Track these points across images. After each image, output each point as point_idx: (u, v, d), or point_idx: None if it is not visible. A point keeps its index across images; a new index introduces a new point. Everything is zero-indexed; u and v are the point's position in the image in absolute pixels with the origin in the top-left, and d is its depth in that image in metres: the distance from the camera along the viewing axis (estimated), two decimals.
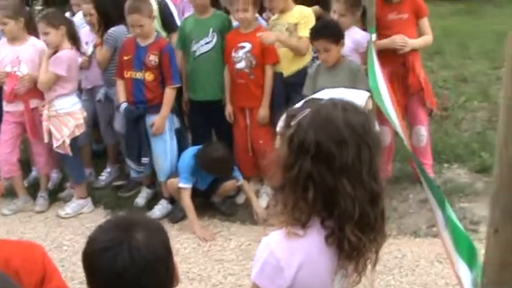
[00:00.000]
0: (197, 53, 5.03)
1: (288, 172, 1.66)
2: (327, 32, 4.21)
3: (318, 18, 4.83)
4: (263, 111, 4.80)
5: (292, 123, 1.67)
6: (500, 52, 8.84)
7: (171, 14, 5.48)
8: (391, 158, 4.86)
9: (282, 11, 4.83)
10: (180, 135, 5.13)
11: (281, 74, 4.83)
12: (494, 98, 6.75)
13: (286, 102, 4.40)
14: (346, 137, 1.60)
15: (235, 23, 5.04)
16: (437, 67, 8.21)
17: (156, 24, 5.16)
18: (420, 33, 4.76)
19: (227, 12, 5.23)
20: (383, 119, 4.01)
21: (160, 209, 5.08)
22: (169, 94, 4.83)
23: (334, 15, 4.65)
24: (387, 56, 4.45)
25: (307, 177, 1.63)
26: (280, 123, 1.81)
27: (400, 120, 3.92)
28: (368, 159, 1.63)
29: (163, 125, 4.86)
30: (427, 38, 4.77)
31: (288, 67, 4.81)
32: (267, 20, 5.15)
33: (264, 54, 4.79)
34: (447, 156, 5.22)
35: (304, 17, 4.70)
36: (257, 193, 5.01)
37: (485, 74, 7.81)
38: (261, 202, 4.91)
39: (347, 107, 1.68)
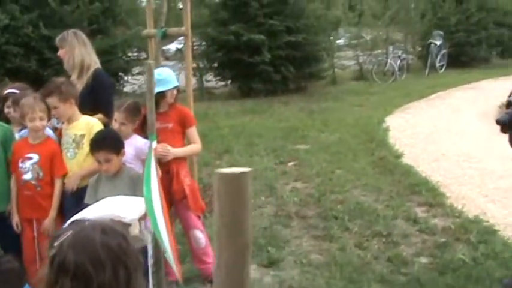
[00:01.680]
0: None
1: None
2: (107, 143, 4.55)
3: (105, 125, 5.18)
4: (48, 223, 4.96)
5: (55, 244, 1.84)
6: (286, 148, 9.85)
7: None
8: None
9: (69, 121, 5.11)
10: None
11: None
12: (280, 192, 7.50)
13: (77, 213, 4.59)
14: (103, 258, 1.79)
15: (18, 134, 5.23)
16: (226, 165, 8.85)
17: None
18: (189, 142, 5.22)
19: (7, 121, 5.39)
20: None
21: None
22: None
23: (115, 124, 5.03)
24: None
25: None
26: None
27: (170, 236, 4.06)
28: (125, 279, 1.82)
29: None
30: (194, 147, 5.19)
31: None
32: (52, 129, 5.38)
33: (52, 166, 4.98)
34: None
35: (91, 128, 5.01)
36: None
37: (272, 170, 8.61)
38: None
39: (106, 229, 1.87)
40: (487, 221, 6.34)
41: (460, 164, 9.00)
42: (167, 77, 5.01)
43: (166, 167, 4.97)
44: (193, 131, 5.16)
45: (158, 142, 4.81)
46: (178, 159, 5.03)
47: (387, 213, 6.57)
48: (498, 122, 4.15)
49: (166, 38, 6.38)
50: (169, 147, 4.90)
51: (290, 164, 8.99)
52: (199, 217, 5.21)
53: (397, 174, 8.20)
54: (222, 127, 11.93)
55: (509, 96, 4.17)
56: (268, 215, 6.76)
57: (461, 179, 8.18)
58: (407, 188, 7.52)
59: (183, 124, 5.11)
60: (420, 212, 6.70)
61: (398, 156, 9.33)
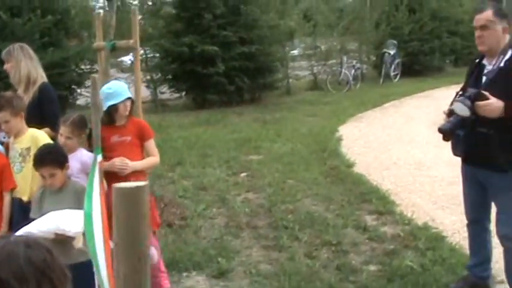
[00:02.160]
0: None
1: None
2: (51, 157, 4.54)
3: (53, 139, 5.19)
4: None
5: None
6: (239, 159, 9.92)
7: None
8: None
9: (16, 135, 5.10)
10: None
11: (20, 199, 5.05)
12: (231, 203, 7.57)
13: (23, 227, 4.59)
14: (27, 273, 1.77)
15: None
16: (178, 177, 8.93)
17: None
18: (147, 155, 5.25)
19: None
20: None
21: None
22: None
23: (60, 138, 5.04)
24: (112, 177, 4.90)
25: None
26: None
27: (107, 255, 3.94)
28: None
29: None
30: (152, 160, 5.20)
31: (28, 192, 5.00)
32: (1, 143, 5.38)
33: (1, 179, 4.96)
34: (185, 264, 5.73)
35: (36, 140, 5.02)
36: None
37: (224, 181, 8.68)
38: None
39: (30, 243, 1.85)
40: (436, 228, 6.49)
41: (411, 172, 9.19)
42: (118, 90, 5.01)
43: (124, 180, 4.98)
44: (151, 144, 5.19)
45: (115, 156, 4.89)
46: (137, 173, 5.03)
47: (337, 222, 6.68)
48: (440, 130, 4.27)
49: (116, 50, 6.40)
50: (128, 161, 4.92)
51: (242, 174, 9.06)
52: (154, 232, 5.24)
53: (349, 183, 8.34)
54: (175, 139, 11.96)
55: (451, 104, 4.30)
56: (219, 226, 6.81)
57: (412, 187, 8.35)
58: (358, 197, 7.65)
59: (141, 137, 5.13)
60: (370, 220, 6.82)
61: (350, 165, 9.48)
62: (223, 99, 17.48)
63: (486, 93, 4.10)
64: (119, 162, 4.88)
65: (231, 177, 8.95)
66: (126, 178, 4.90)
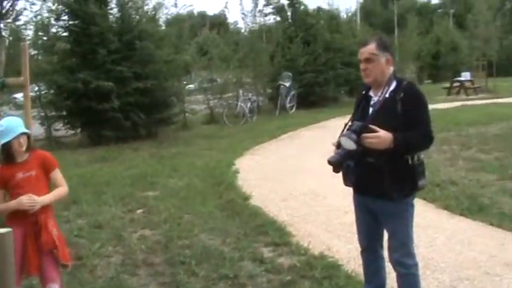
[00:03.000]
0: None
1: None
2: None
3: None
4: None
5: None
6: (135, 195, 9.80)
7: None
8: None
9: None
10: None
11: None
12: (127, 241, 7.43)
13: None
14: None
15: None
16: (74, 216, 8.72)
17: None
18: (55, 186, 5.12)
19: None
20: None
21: None
22: None
23: None
24: (19, 216, 4.76)
25: None
26: None
27: None
28: None
29: None
30: (61, 191, 5.07)
31: None
32: None
33: None
34: None
35: None
36: None
37: (120, 218, 8.53)
38: None
39: None
40: (332, 257, 6.58)
41: (307, 202, 9.32)
42: (9, 126, 4.89)
43: (34, 217, 4.87)
44: (57, 174, 5.09)
45: (24, 193, 4.79)
46: (46, 208, 4.95)
47: (234, 255, 6.68)
48: (329, 162, 4.35)
49: (6, 87, 6.25)
50: (35, 197, 4.81)
51: (138, 211, 8.94)
52: (63, 266, 5.10)
53: (245, 215, 8.36)
54: (70, 177, 11.55)
55: (339, 137, 4.39)
56: (115, 264, 6.67)
57: (308, 217, 8.46)
58: (255, 229, 7.68)
59: (46, 169, 5.03)
60: (267, 252, 6.85)
61: (246, 198, 9.53)
62: (119, 135, 17.27)
63: (374, 127, 4.21)
64: (27, 199, 4.78)
65: (127, 214, 8.81)
66: (35, 214, 4.84)
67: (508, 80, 51.72)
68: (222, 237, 7.40)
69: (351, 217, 6.70)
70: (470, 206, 8.45)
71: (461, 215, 8.18)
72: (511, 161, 11.91)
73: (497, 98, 30.45)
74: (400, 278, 4.58)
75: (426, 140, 4.37)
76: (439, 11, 79.91)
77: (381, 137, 4.18)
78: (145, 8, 19.35)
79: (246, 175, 11.67)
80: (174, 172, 12.05)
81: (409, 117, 4.25)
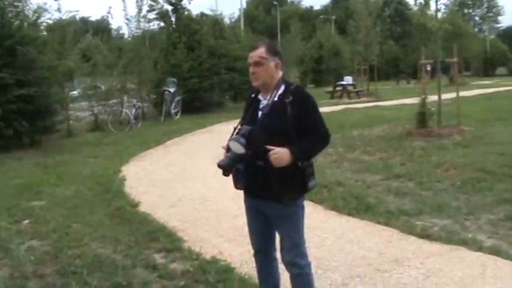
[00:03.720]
0: None
1: None
2: None
3: None
4: None
5: None
6: (20, 205, 9.50)
7: None
8: None
9: None
10: None
11: None
12: (15, 253, 7.20)
13: None
14: None
15: None
16: None
17: None
18: None
19: None
20: None
21: None
22: None
23: None
24: None
25: None
26: None
27: None
28: None
29: None
30: None
31: None
32: None
33: None
34: None
35: None
36: None
37: (6, 230, 8.24)
38: None
39: None
40: (225, 260, 6.63)
41: (196, 207, 9.35)
42: None
43: None
44: None
45: None
46: None
47: (126, 263, 6.62)
48: (219, 166, 4.38)
49: None
50: None
51: (25, 222, 8.67)
52: None
53: (135, 223, 8.29)
54: None
55: (229, 140, 4.44)
56: (3, 277, 6.45)
57: (198, 222, 8.49)
58: (145, 236, 7.63)
59: None
60: (159, 258, 6.82)
61: (135, 205, 9.45)
62: (1, 144, 16.63)
63: (270, 146, 4.26)
64: None
65: (13, 225, 8.52)
66: None
67: (389, 84, 53.97)
68: (113, 246, 7.31)
69: (241, 220, 6.82)
70: (358, 206, 8.76)
71: (349, 214, 8.46)
72: (394, 161, 12.43)
73: (379, 101, 31.65)
74: (294, 278, 4.70)
75: (323, 140, 4.51)
76: (321, 17, 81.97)
77: (278, 152, 4.26)
78: (26, 12, 18.72)
79: (134, 182, 11.57)
80: (60, 181, 11.77)
81: (300, 120, 4.36)
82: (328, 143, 4.56)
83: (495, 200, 8.77)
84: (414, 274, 6.00)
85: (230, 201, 9.09)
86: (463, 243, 6.91)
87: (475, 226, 7.64)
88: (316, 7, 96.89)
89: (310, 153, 4.44)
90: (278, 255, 4.83)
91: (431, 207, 8.54)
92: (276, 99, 4.48)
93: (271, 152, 4.25)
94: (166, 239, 7.45)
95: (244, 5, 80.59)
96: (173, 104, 25.47)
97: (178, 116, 25.56)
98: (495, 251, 6.59)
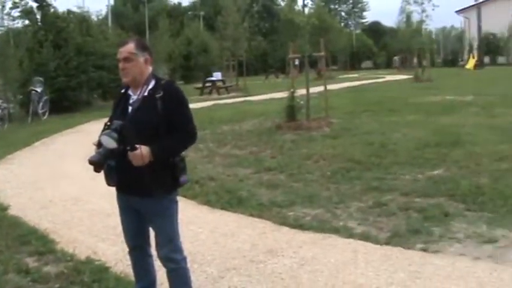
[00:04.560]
0: None
1: None
2: None
3: None
4: None
5: None
6: None
7: None
8: None
9: None
10: None
11: None
12: None
13: None
14: None
15: None
16: None
17: None
18: None
19: None
20: None
21: None
22: None
23: None
24: None
25: None
26: None
27: None
28: None
29: None
30: None
31: None
32: None
33: None
34: None
35: None
36: None
37: None
38: None
39: None
40: (99, 260, 6.53)
41: (68, 208, 9.15)
42: None
43: None
44: None
45: None
46: None
47: None
48: (90, 162, 4.29)
49: None
50: None
51: None
52: None
53: (4, 227, 7.99)
54: None
55: (100, 136, 4.37)
56: None
57: (71, 223, 8.32)
58: (16, 240, 7.38)
59: None
60: (32, 261, 6.62)
61: (4, 208, 9.10)
62: None
63: (138, 145, 4.26)
64: None
65: None
66: None
67: (258, 79, 54.76)
68: None
69: (114, 219, 6.77)
70: (230, 200, 8.88)
71: (222, 208, 8.57)
72: (265, 154, 12.67)
73: (248, 96, 32.05)
74: (170, 273, 4.72)
75: (189, 138, 4.53)
76: (190, 13, 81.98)
77: (137, 154, 4.24)
78: None
79: (2, 185, 11.14)
80: None
81: (170, 116, 4.38)
82: (194, 141, 4.59)
83: (364, 189, 9.17)
84: (288, 263, 6.18)
85: (103, 200, 8.97)
86: (335, 231, 7.19)
87: (345, 214, 7.95)
88: (185, 3, 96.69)
89: (173, 152, 4.45)
90: (153, 251, 4.83)
91: (303, 198, 8.80)
92: (146, 94, 4.47)
93: (133, 153, 4.24)
94: (38, 242, 7.24)
95: (112, 2, 79.18)
96: (40, 104, 24.69)
97: (46, 116, 24.81)
98: (365, 237, 6.91)
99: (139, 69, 4.50)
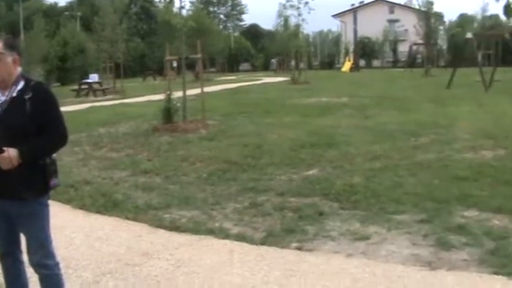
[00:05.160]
0: None
1: None
2: None
3: None
4: None
5: None
6: None
7: None
8: None
9: None
10: None
11: None
12: None
13: None
14: None
15: None
16: None
17: None
18: None
19: None
20: None
21: None
22: None
23: None
24: None
25: None
26: None
27: None
28: None
29: None
30: None
31: None
32: None
33: None
34: None
35: None
36: None
37: None
38: None
39: None
40: None
41: None
42: None
43: None
44: None
45: None
46: None
47: None
48: None
49: None
50: None
51: None
52: None
53: None
54: None
55: None
56: None
57: None
58: None
59: None
60: None
61: None
62: None
63: (6, 148, 4.11)
64: None
65: None
66: None
67: (136, 81, 54.15)
68: None
69: None
70: (106, 203, 8.73)
71: (97, 212, 8.41)
72: (141, 157, 12.55)
73: (125, 98, 31.60)
74: (43, 279, 4.58)
75: (59, 140, 4.41)
76: (67, 13, 79.66)
77: (5, 157, 4.11)
78: None
79: None
80: None
81: (40, 117, 4.25)
82: (65, 143, 4.46)
83: (240, 189, 9.27)
84: (164, 265, 6.18)
85: None
86: (211, 232, 7.24)
87: (221, 215, 8.02)
88: (61, 3, 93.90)
89: (42, 154, 4.33)
90: (25, 257, 4.68)
91: (179, 200, 8.79)
92: (14, 95, 4.32)
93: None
94: None
95: None
96: None
97: None
98: (241, 238, 7.00)
99: (8, 70, 4.33)
